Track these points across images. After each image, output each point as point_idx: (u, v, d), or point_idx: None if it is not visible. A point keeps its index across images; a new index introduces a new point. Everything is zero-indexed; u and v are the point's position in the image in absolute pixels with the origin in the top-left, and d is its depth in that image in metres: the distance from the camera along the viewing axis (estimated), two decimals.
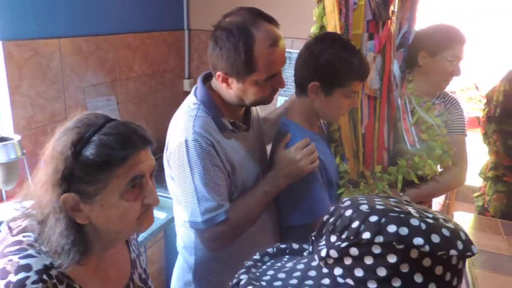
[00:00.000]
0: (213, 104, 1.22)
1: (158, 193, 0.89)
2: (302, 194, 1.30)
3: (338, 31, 1.41)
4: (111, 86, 2.23)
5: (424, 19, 1.85)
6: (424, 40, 1.66)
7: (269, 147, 1.45)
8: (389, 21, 1.58)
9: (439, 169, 1.67)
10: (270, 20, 1.17)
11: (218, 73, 1.17)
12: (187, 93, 1.55)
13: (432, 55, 1.64)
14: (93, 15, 2.07)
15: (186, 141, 1.15)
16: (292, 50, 2.51)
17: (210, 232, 1.18)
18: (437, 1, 3.09)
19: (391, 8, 1.58)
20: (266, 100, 1.23)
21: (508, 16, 3.77)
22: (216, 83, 1.24)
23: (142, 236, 1.84)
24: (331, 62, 1.27)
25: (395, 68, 1.64)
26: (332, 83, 1.28)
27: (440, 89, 1.71)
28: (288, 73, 2.52)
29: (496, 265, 1.67)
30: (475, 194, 2.29)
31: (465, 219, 2.03)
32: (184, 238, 1.29)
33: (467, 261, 1.69)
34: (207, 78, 1.29)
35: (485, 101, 2.20)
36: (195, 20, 2.78)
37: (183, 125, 1.18)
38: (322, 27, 1.43)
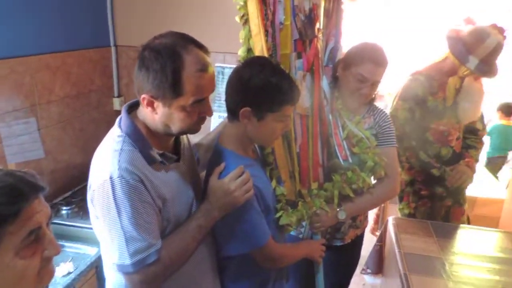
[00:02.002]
0: (140, 136, 1.15)
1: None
2: (238, 223, 1.26)
3: (266, 53, 1.40)
4: (30, 111, 2.06)
5: (351, 35, 1.90)
6: (346, 53, 1.71)
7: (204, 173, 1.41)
8: (316, 38, 1.59)
9: (372, 181, 1.72)
10: (201, 47, 1.14)
11: (143, 95, 1.11)
12: (118, 112, 1.46)
13: (344, 68, 1.67)
14: (4, 36, 1.90)
15: (111, 178, 1.07)
16: (225, 64, 2.49)
17: (140, 274, 1.10)
18: (361, 18, 3.22)
19: (317, 25, 1.60)
20: (193, 128, 1.18)
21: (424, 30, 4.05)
22: (142, 111, 1.17)
23: (70, 278, 1.71)
24: (261, 88, 1.25)
25: (325, 84, 1.66)
26: (264, 108, 1.27)
27: (351, 104, 1.70)
28: (222, 88, 2.50)
29: (430, 268, 1.74)
30: (399, 206, 2.38)
31: (399, 223, 2.12)
32: (114, 281, 1.20)
33: (404, 266, 1.75)
34: (133, 108, 1.22)
35: None
36: (122, 36, 2.66)
37: (108, 160, 1.10)
38: (249, 49, 1.41)
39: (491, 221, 2.51)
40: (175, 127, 1.15)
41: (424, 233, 2.03)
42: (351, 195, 1.63)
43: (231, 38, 1.89)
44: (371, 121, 1.74)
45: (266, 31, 1.43)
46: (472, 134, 2.22)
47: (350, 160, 1.64)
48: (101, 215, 1.11)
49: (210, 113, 1.18)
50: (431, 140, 2.13)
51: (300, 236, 1.76)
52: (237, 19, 1.42)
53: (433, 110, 2.08)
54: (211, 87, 1.16)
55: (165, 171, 1.19)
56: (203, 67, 1.11)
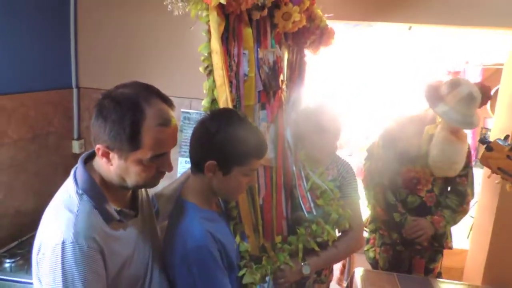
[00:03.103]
0: (97, 191, 1.07)
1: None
2: (202, 285, 1.19)
3: (230, 103, 1.38)
4: None
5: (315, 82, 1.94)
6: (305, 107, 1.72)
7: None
8: (280, 90, 1.60)
9: (337, 233, 1.68)
10: (165, 100, 1.10)
11: (98, 146, 1.05)
12: (77, 155, 1.37)
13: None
14: None
15: (63, 243, 0.97)
16: (191, 110, 2.47)
17: None
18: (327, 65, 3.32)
19: (281, 77, 1.62)
20: (150, 182, 1.12)
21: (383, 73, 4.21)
22: (98, 161, 1.10)
23: None
24: (228, 141, 1.22)
25: (288, 135, 1.66)
26: (230, 162, 1.23)
27: (314, 155, 1.69)
28: (188, 133, 2.45)
29: None
30: (366, 247, 2.36)
31: (365, 275, 2.07)
32: None
33: None
34: (90, 158, 1.15)
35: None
36: (84, 77, 2.59)
37: (62, 222, 1.01)
38: (214, 100, 1.39)
39: (456, 272, 2.50)
40: (130, 181, 1.09)
41: (390, 286, 1.99)
42: (316, 248, 1.58)
43: (198, 83, 1.87)
44: (335, 172, 1.73)
45: (230, 82, 1.42)
46: (455, 196, 2.11)
47: (314, 212, 1.62)
48: (45, 282, 1.01)
49: (169, 169, 1.12)
50: (400, 184, 2.13)
51: None
52: (201, 70, 1.40)
53: (405, 154, 2.08)
54: (172, 142, 1.11)
55: (123, 229, 1.12)
56: (165, 122, 1.06)
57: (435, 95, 1.95)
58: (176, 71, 2.42)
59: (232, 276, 1.32)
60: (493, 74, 4.25)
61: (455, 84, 1.92)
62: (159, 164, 1.10)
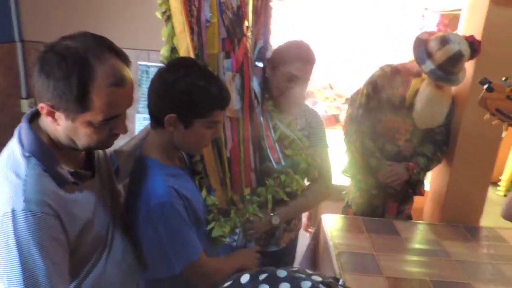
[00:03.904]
0: (46, 152, 0.98)
1: None
2: (168, 241, 1.16)
3: (191, 52, 1.29)
4: None
5: (280, 33, 1.86)
6: (273, 52, 1.66)
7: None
8: (245, 37, 1.52)
9: (306, 182, 1.69)
10: (119, 55, 0.98)
11: (41, 104, 0.94)
12: None
13: (273, 68, 1.63)
14: None
15: (13, 211, 0.89)
16: (149, 63, 2.34)
17: None
18: (291, 14, 3.21)
19: (245, 24, 1.53)
20: (103, 145, 1.05)
21: (360, 20, 4.13)
22: (44, 120, 1.00)
23: None
24: (187, 92, 1.15)
25: (255, 85, 1.60)
26: (191, 114, 1.17)
27: (282, 104, 1.65)
28: (146, 87, 2.34)
29: (363, 266, 1.76)
30: (344, 192, 2.42)
31: (332, 221, 2.13)
32: None
33: (338, 265, 1.76)
34: (36, 117, 1.04)
35: (340, 99, 2.32)
36: (29, 30, 2.38)
37: (10, 189, 0.92)
38: (173, 49, 1.30)
39: (419, 213, 2.62)
40: (80, 142, 1.00)
41: (357, 230, 2.05)
42: (286, 198, 1.59)
43: (156, 34, 1.76)
44: (303, 122, 1.71)
45: (191, 28, 1.32)
46: (432, 144, 2.16)
47: (283, 163, 1.60)
48: None
49: (124, 131, 1.04)
50: (379, 132, 2.15)
51: (234, 244, 1.69)
52: (158, 14, 1.29)
53: (388, 103, 2.09)
54: (127, 103, 1.02)
55: (79, 191, 1.04)
56: (119, 81, 0.96)
57: (423, 51, 1.90)
58: (131, 19, 2.26)
59: (200, 231, 1.31)
60: (452, 20, 4.30)
61: (444, 40, 1.86)
62: (112, 126, 1.01)
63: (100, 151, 1.20)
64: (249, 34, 1.57)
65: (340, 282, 0.56)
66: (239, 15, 1.46)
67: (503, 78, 1.07)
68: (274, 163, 1.59)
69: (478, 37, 1.96)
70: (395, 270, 1.75)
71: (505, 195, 4.23)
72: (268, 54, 1.68)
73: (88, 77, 0.92)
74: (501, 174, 4.50)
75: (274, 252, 1.78)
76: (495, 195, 4.43)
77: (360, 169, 2.22)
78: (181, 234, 1.18)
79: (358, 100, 2.16)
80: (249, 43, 1.58)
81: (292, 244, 1.89)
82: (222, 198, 1.44)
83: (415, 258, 1.86)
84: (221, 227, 1.36)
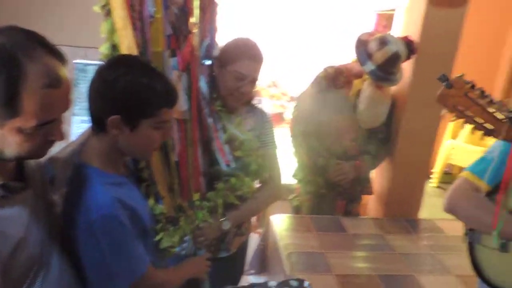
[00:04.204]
0: None
1: None
2: (113, 259, 1.07)
3: (134, 50, 1.20)
4: None
5: (226, 31, 1.79)
6: (220, 51, 1.60)
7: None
8: (191, 34, 1.45)
9: (257, 184, 1.66)
10: (54, 52, 0.88)
11: None
12: None
13: (220, 67, 1.58)
14: None
15: None
16: (87, 61, 2.18)
17: None
18: (235, 9, 3.15)
19: (192, 20, 1.45)
20: (36, 154, 0.94)
21: (303, 17, 4.16)
22: None
23: None
24: (130, 90, 1.06)
25: (202, 84, 1.53)
26: (136, 114, 1.08)
27: (231, 104, 1.61)
28: (84, 87, 2.18)
29: (313, 265, 1.77)
30: (290, 196, 2.41)
31: (280, 221, 2.12)
32: None
33: (288, 265, 1.75)
34: None
35: (285, 97, 2.33)
36: None
37: None
38: (114, 46, 1.19)
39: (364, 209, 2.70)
40: (9, 152, 0.89)
41: (305, 229, 2.06)
42: (236, 202, 1.54)
43: (95, 30, 1.64)
44: (252, 121, 1.68)
45: (133, 24, 1.22)
46: (375, 143, 2.21)
47: (233, 165, 1.56)
48: None
49: (60, 137, 0.94)
50: (325, 133, 2.16)
51: (183, 252, 1.61)
52: (97, 9, 1.18)
53: (332, 104, 2.11)
54: (64, 106, 0.92)
55: (10, 206, 0.92)
56: (53, 82, 0.86)
57: (364, 51, 1.95)
58: (68, 15, 2.08)
59: (148, 242, 1.22)
60: (388, 20, 4.48)
61: (382, 42, 1.91)
62: (46, 132, 0.91)
63: (32, 161, 1.08)
64: (195, 31, 1.50)
65: (305, 284, 0.52)
66: (185, 10, 1.39)
67: (458, 75, 1.08)
68: (224, 165, 1.54)
69: (416, 37, 2.05)
70: (344, 267, 1.78)
71: (438, 186, 4.49)
72: (215, 52, 1.62)
73: (16, 77, 0.81)
74: (432, 167, 4.79)
75: (225, 258, 1.73)
76: (428, 187, 4.71)
77: (309, 170, 2.24)
78: (126, 248, 1.09)
79: (302, 101, 2.17)
80: (195, 40, 1.51)
81: (243, 248, 1.86)
82: (170, 205, 1.37)
83: (362, 254, 1.91)
84: (170, 237, 1.29)
